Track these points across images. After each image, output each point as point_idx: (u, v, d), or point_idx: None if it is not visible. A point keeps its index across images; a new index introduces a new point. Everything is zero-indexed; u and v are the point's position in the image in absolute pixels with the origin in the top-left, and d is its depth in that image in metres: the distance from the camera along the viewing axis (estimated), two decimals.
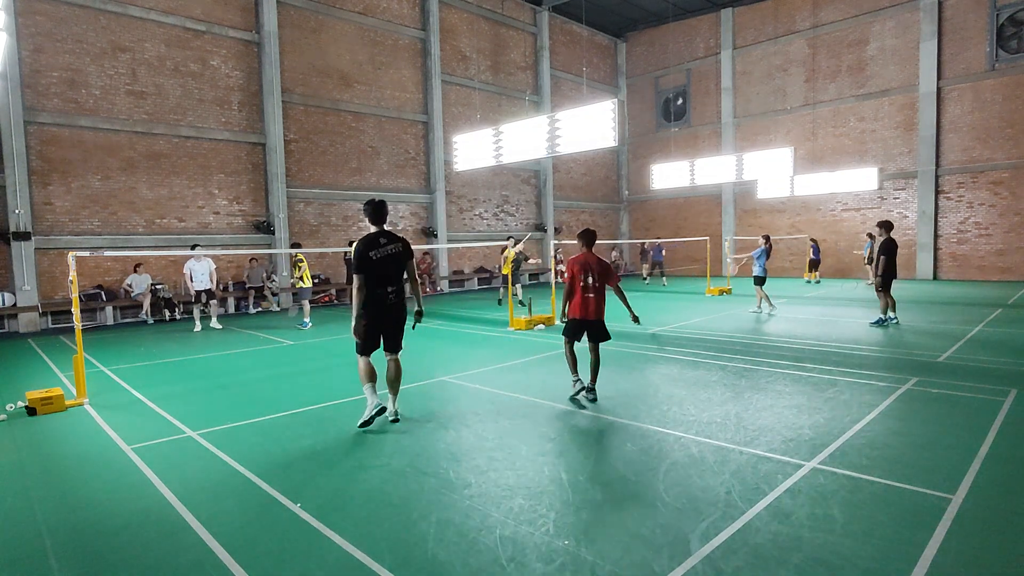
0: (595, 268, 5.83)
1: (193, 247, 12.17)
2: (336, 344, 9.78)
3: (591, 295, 5.81)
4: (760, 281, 12.21)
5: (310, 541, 3.20)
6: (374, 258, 4.92)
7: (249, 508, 3.64)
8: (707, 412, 5.41)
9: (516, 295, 14.39)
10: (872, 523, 3.25)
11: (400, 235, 5.07)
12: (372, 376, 5.11)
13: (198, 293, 11.90)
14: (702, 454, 4.35)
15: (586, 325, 5.87)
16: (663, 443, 4.62)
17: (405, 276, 5.23)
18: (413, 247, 5.20)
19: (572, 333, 5.97)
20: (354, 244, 5.02)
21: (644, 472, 4.06)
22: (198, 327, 11.86)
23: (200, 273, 11.81)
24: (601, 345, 5.95)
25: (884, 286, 10.05)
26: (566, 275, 5.92)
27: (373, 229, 5.08)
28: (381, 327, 5.10)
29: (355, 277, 4.90)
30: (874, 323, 10.22)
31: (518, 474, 4.05)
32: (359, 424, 5.06)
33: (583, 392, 5.93)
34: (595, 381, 5.92)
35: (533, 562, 2.91)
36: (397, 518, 3.44)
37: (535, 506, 3.54)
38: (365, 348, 5.09)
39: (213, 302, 12.25)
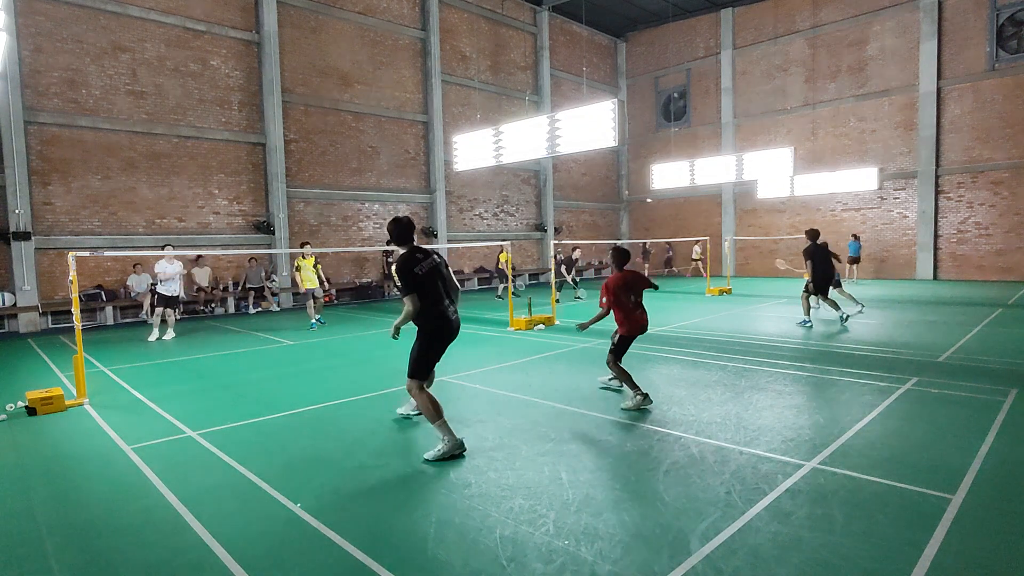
0: (633, 283, 5.77)
1: (164, 247, 11.06)
2: (337, 344, 9.78)
3: (643, 309, 5.82)
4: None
5: (310, 541, 3.20)
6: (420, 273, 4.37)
7: (249, 508, 3.64)
8: (707, 412, 5.41)
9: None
10: (872, 523, 3.25)
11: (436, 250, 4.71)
12: (441, 409, 4.52)
13: (164, 298, 10.56)
14: (702, 454, 4.35)
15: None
16: (663, 443, 4.62)
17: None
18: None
19: (625, 349, 5.80)
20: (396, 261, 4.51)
21: (644, 472, 4.06)
22: (155, 335, 10.65)
23: (170, 276, 10.51)
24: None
25: (819, 290, 10.31)
26: (603, 301, 5.69)
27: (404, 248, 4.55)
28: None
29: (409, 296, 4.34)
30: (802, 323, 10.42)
31: (518, 474, 4.05)
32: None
33: (644, 398, 5.58)
34: None
35: (533, 562, 2.91)
36: (397, 518, 3.44)
37: (535, 506, 3.54)
38: (424, 371, 4.59)
39: (172, 311, 10.81)
